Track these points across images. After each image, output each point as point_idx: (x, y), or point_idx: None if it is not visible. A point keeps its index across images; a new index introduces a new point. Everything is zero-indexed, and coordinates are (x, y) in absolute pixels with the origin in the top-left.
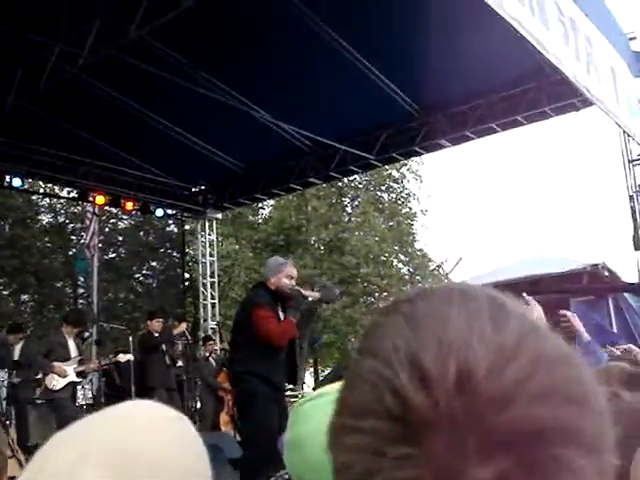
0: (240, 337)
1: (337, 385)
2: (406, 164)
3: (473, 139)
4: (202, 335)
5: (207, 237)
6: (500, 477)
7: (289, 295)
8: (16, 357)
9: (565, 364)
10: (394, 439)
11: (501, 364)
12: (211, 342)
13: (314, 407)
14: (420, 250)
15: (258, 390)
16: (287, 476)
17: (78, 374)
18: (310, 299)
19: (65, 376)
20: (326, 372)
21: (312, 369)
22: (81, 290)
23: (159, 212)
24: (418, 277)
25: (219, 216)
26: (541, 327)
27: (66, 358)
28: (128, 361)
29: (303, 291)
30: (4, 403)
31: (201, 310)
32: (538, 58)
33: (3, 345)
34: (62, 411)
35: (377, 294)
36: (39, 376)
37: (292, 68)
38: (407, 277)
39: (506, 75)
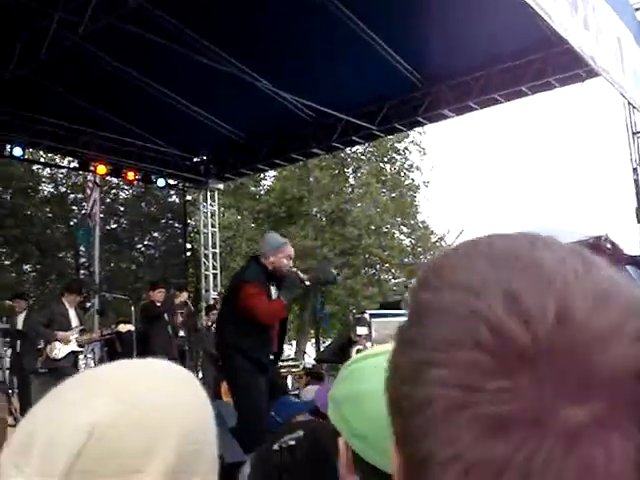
0: (227, 311)
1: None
2: (409, 135)
3: (477, 109)
4: (204, 305)
5: (209, 208)
6: (595, 418)
7: (285, 276)
8: (19, 327)
9: None
10: (487, 372)
11: (601, 303)
12: (214, 312)
13: (375, 366)
14: (422, 222)
15: (240, 365)
16: (292, 442)
17: (79, 344)
18: (307, 283)
19: (68, 342)
20: (327, 342)
21: (314, 340)
22: (83, 260)
23: (161, 182)
24: (420, 249)
25: (221, 187)
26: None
27: (67, 327)
28: (129, 331)
29: (300, 274)
30: (7, 372)
31: (203, 280)
32: (544, 28)
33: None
34: (63, 380)
35: (378, 265)
36: (41, 346)
37: (295, 37)
38: (409, 249)
39: (511, 45)
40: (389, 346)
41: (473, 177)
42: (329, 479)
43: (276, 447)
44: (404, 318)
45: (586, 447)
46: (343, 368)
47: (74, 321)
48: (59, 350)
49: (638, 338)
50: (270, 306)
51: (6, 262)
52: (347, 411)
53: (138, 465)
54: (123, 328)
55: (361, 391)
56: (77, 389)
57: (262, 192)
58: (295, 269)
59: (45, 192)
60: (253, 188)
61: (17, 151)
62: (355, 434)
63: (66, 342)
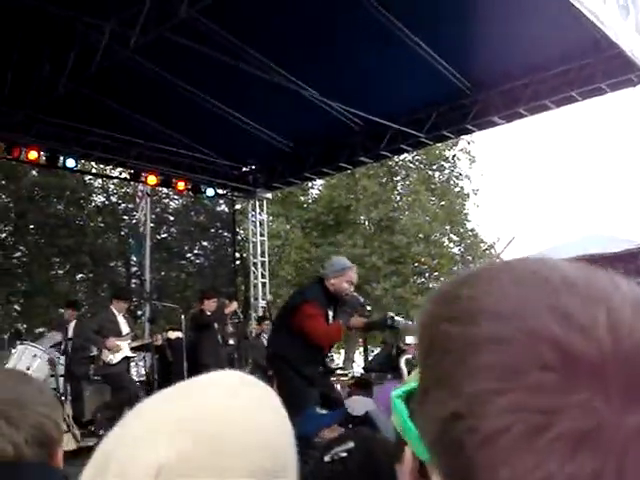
0: (281, 324)
1: None
2: (457, 143)
3: (526, 116)
4: (253, 314)
5: (257, 217)
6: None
7: (345, 300)
8: (70, 335)
9: None
10: (560, 390)
11: (637, 316)
12: (266, 322)
13: None
14: (472, 230)
15: (290, 378)
16: (344, 453)
17: (132, 349)
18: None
19: (118, 350)
20: (376, 351)
21: (362, 348)
22: (134, 269)
23: (210, 192)
24: (469, 257)
25: (269, 196)
26: None
27: (118, 334)
28: (180, 338)
29: (360, 298)
30: (61, 380)
31: (252, 289)
32: (594, 32)
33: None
34: (119, 384)
35: (427, 274)
36: (94, 353)
37: (342, 46)
38: (458, 257)
39: (560, 51)
40: None
41: (523, 184)
42: None
43: (327, 459)
44: None
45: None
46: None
47: (124, 328)
48: (114, 356)
49: None
50: (328, 329)
51: (60, 271)
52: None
53: None
54: (172, 335)
55: None
56: (142, 420)
57: (310, 201)
58: (355, 294)
59: (97, 202)
60: (301, 197)
61: (70, 162)
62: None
63: (117, 348)
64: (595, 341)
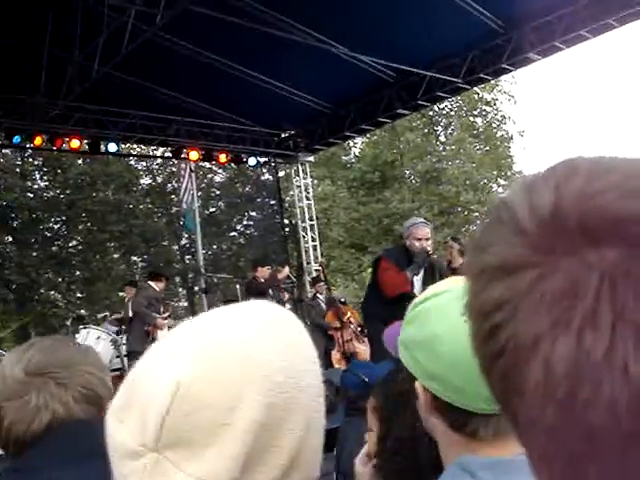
0: (370, 281)
1: (455, 281)
2: (497, 86)
3: (563, 49)
4: (307, 277)
5: (302, 181)
6: (583, 260)
7: (414, 255)
8: (130, 313)
9: None
10: (497, 233)
11: (597, 174)
12: (320, 284)
13: (438, 306)
14: (519, 172)
15: (374, 331)
16: None
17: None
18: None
19: (162, 329)
20: None
21: None
22: (187, 246)
23: (252, 161)
24: None
25: (311, 159)
26: None
27: (159, 312)
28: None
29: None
30: (125, 359)
31: (303, 254)
32: None
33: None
34: None
35: (479, 222)
36: (148, 327)
37: None
38: None
39: None
40: (444, 285)
41: (569, 119)
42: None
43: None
44: None
45: (552, 282)
46: (408, 311)
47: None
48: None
49: (634, 194)
50: (394, 279)
51: (115, 255)
52: (420, 355)
53: (224, 418)
54: None
55: (430, 334)
56: (167, 345)
57: (353, 160)
58: (425, 247)
59: (144, 184)
60: (344, 157)
61: (112, 147)
62: (431, 376)
63: (163, 327)
64: (536, 205)
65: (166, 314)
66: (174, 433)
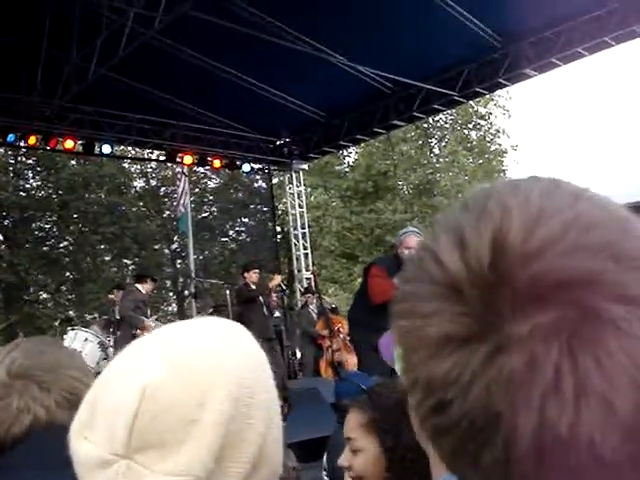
0: (360, 289)
1: None
2: (493, 99)
3: (559, 66)
4: (298, 286)
5: (295, 189)
6: (537, 331)
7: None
8: (117, 316)
9: (610, 227)
10: (433, 299)
11: (534, 225)
12: (309, 295)
13: None
14: None
15: (359, 339)
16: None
17: None
18: None
19: (149, 331)
20: None
21: None
22: (178, 250)
23: (246, 167)
24: None
25: (305, 167)
26: (603, 198)
27: (145, 315)
28: (227, 312)
29: None
30: None
31: (294, 261)
32: None
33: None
34: None
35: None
36: (135, 331)
37: (366, 8)
38: None
39: None
40: None
41: (564, 136)
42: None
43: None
44: None
45: (508, 358)
46: None
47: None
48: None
49: (568, 251)
50: (381, 286)
51: (107, 258)
52: None
53: (193, 414)
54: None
55: None
56: (129, 356)
57: (347, 169)
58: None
59: (137, 187)
60: (338, 166)
61: (106, 148)
62: None
63: (150, 330)
64: (467, 257)
65: (154, 317)
66: (144, 436)
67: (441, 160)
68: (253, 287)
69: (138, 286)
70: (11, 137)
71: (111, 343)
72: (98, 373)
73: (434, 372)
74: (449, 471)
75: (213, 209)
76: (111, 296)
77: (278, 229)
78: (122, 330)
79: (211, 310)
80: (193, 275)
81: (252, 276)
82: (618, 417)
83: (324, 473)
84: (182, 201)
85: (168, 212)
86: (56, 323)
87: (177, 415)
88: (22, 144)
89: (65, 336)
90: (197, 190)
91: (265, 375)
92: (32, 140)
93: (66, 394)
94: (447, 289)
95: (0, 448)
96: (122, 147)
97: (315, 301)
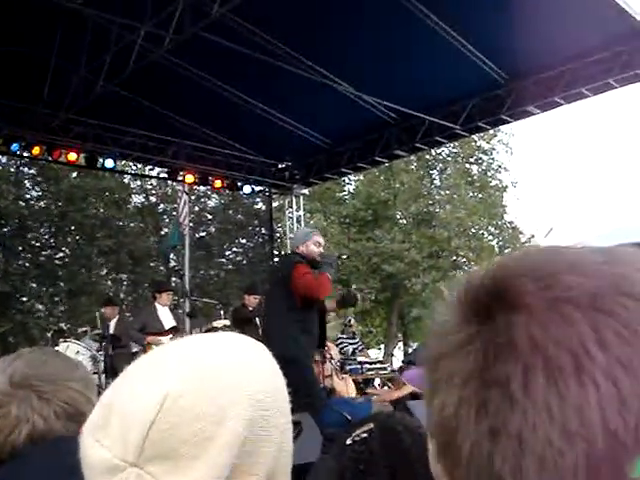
0: (277, 298)
1: None
2: (496, 136)
3: (562, 105)
4: None
5: (294, 213)
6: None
7: (318, 261)
8: (112, 331)
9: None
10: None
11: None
12: None
13: None
14: (510, 222)
15: (295, 352)
16: (365, 434)
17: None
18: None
19: (160, 344)
20: (415, 345)
21: (402, 343)
22: (175, 267)
23: (247, 189)
24: (508, 250)
25: (306, 192)
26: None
27: (161, 329)
28: (225, 326)
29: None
30: (103, 376)
31: None
32: (630, 19)
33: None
34: None
35: (467, 267)
36: (135, 350)
37: (374, 39)
38: (497, 250)
39: (596, 38)
40: None
41: (563, 174)
42: (403, 463)
43: (349, 441)
44: None
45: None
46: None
47: (167, 322)
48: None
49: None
50: (318, 280)
51: (101, 272)
52: None
53: (210, 432)
54: (218, 324)
55: None
56: (149, 364)
57: (347, 196)
58: (325, 252)
59: (137, 203)
60: (338, 193)
61: (109, 163)
62: None
63: (158, 344)
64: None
65: (171, 329)
66: (158, 446)
67: (442, 192)
68: (250, 309)
69: (156, 302)
70: (15, 146)
71: (102, 357)
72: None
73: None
74: None
75: (211, 229)
76: (104, 310)
77: (275, 252)
78: (118, 347)
79: (205, 330)
80: (188, 293)
81: (251, 300)
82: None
83: None
84: (184, 221)
85: (166, 229)
86: (48, 334)
87: (194, 429)
88: (25, 154)
89: (57, 347)
90: (196, 209)
91: (282, 397)
92: (36, 150)
93: (65, 405)
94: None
95: None
96: (124, 162)
97: None
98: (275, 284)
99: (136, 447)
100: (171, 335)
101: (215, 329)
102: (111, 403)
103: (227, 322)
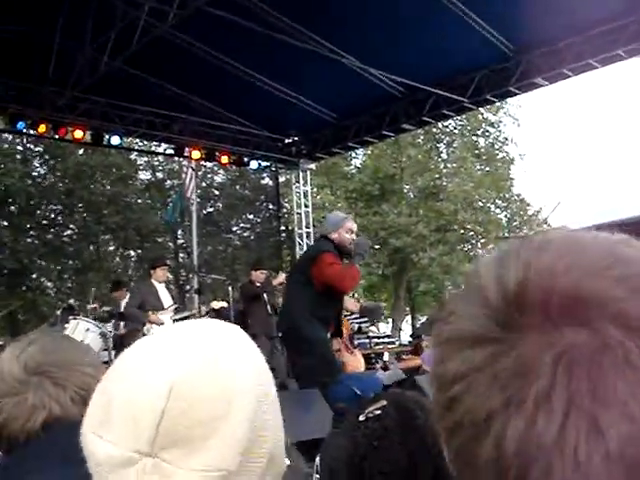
0: (301, 281)
1: None
2: (503, 108)
3: (570, 76)
4: None
5: (301, 188)
6: (543, 344)
7: (350, 249)
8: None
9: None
10: (467, 303)
11: (570, 249)
12: None
13: None
14: (518, 195)
15: (316, 334)
16: (378, 411)
17: (175, 321)
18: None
19: (161, 324)
20: (422, 320)
21: (409, 317)
22: (181, 243)
23: (253, 164)
24: (516, 223)
25: (313, 166)
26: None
27: (160, 307)
28: (225, 308)
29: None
30: (113, 353)
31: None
32: None
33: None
34: None
35: (474, 241)
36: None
37: (380, 11)
38: (505, 223)
39: (604, 9)
40: None
41: (572, 147)
42: (418, 441)
43: (362, 418)
44: None
45: (510, 361)
46: None
47: (166, 300)
48: (156, 330)
49: (583, 274)
50: (347, 271)
51: (110, 248)
52: None
53: (221, 411)
54: (216, 305)
55: None
56: (147, 353)
57: (354, 171)
58: (358, 240)
59: (144, 179)
60: (345, 168)
61: (115, 140)
62: None
63: (159, 322)
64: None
65: (169, 307)
66: (172, 433)
67: (448, 166)
68: (258, 285)
69: (152, 279)
70: (21, 124)
71: (112, 334)
72: (104, 362)
73: (448, 367)
74: (454, 474)
75: (218, 204)
76: (115, 294)
77: (282, 227)
78: (128, 325)
79: (209, 303)
80: (196, 269)
81: (259, 275)
82: (605, 440)
83: (316, 477)
84: (190, 196)
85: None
86: (58, 312)
87: (205, 412)
88: (32, 132)
89: (67, 325)
90: (203, 185)
91: (270, 377)
92: (42, 128)
93: (80, 390)
94: (477, 297)
95: (14, 443)
96: (130, 139)
97: None
98: (297, 267)
99: (149, 437)
100: (172, 314)
101: (215, 310)
102: (109, 397)
103: (224, 304)
